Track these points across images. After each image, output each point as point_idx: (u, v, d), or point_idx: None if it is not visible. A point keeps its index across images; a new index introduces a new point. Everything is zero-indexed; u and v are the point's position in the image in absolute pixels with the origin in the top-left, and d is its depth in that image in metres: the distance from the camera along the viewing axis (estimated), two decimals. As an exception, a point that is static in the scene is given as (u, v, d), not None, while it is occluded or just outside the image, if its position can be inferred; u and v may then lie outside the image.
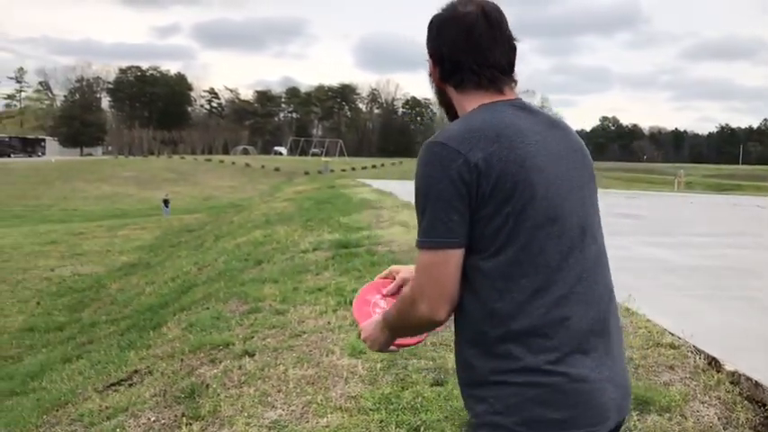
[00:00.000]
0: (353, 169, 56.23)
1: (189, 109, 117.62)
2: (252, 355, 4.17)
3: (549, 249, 1.36)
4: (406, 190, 19.80)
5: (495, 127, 1.38)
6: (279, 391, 3.54)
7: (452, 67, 1.49)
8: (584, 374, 1.35)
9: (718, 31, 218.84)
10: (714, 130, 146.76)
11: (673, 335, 4.07)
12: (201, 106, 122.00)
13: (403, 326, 1.49)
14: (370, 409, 3.24)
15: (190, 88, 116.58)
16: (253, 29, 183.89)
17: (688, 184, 47.02)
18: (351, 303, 5.04)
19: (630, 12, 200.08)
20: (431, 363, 3.76)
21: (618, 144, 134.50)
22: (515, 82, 1.54)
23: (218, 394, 3.63)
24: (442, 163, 1.34)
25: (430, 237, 1.35)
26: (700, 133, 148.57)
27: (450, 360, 3.75)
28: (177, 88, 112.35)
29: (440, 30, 1.52)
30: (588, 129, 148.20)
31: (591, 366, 1.37)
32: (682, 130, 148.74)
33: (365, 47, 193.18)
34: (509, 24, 1.51)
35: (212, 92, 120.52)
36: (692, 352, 3.81)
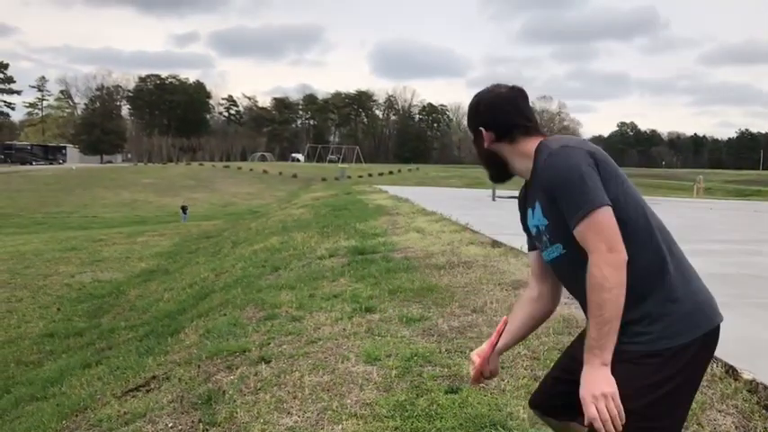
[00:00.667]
0: (370, 175, 56.31)
1: (207, 116, 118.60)
2: (268, 362, 4.20)
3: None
4: (422, 196, 19.81)
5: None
6: (294, 398, 3.56)
7: (506, 128, 2.00)
8: None
9: (736, 35, 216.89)
10: (734, 135, 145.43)
11: (690, 343, 4.03)
12: (220, 114, 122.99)
13: (616, 306, 1.73)
14: (385, 417, 3.25)
15: (208, 96, 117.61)
16: (270, 36, 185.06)
17: (707, 189, 46.51)
18: (366, 310, 5.06)
19: (648, 17, 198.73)
20: (446, 370, 3.77)
21: (636, 150, 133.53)
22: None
23: (235, 401, 3.65)
24: (579, 155, 1.82)
25: (601, 198, 1.75)
26: (719, 138, 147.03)
27: (465, 367, 3.75)
28: (196, 96, 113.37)
29: (488, 106, 2.04)
30: (606, 134, 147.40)
31: None
32: (701, 135, 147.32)
33: (382, 54, 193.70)
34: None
35: (230, 99, 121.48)
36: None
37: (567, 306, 4.97)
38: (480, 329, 4.45)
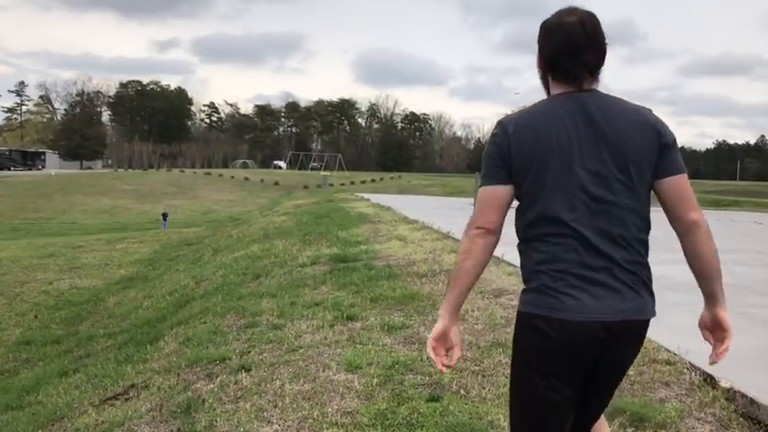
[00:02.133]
0: (353, 183, 56.27)
1: (188, 123, 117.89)
2: (248, 370, 4.17)
3: None
4: (404, 204, 19.83)
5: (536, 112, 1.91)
6: (275, 407, 3.53)
7: (553, 64, 1.91)
8: None
9: (713, 47, 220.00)
10: (711, 146, 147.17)
11: (669, 351, 4.07)
12: (201, 120, 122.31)
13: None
14: (366, 425, 3.24)
15: (190, 102, 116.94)
16: (252, 43, 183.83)
17: (686, 199, 46.80)
18: (348, 318, 5.04)
19: (626, 28, 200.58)
20: (427, 378, 3.76)
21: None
22: (598, 76, 1.92)
23: (215, 409, 3.62)
24: (493, 136, 1.94)
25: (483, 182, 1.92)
26: (697, 149, 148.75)
27: (446, 376, 3.76)
28: (177, 102, 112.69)
29: (547, 34, 1.93)
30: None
31: None
32: (680, 145, 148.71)
33: (364, 62, 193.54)
34: (602, 30, 1.91)
35: (212, 106, 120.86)
36: (687, 368, 3.81)
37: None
38: (462, 338, 4.44)
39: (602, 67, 1.92)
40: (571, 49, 1.86)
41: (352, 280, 6.63)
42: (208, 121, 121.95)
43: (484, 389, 3.60)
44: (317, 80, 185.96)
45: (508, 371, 3.81)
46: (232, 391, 3.86)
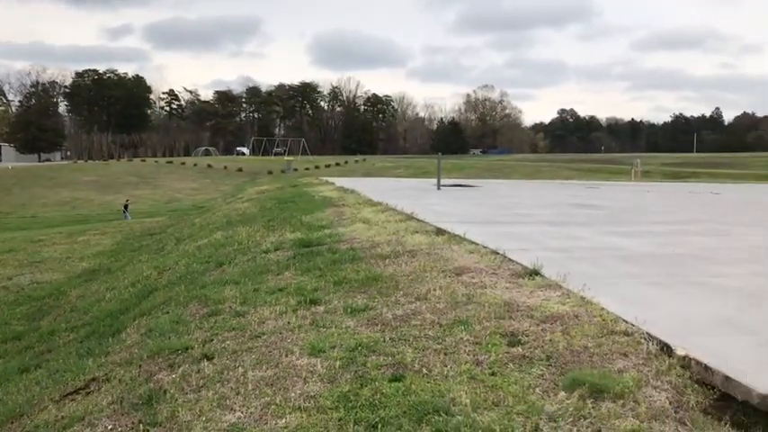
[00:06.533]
0: (317, 167, 56.05)
1: (148, 111, 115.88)
2: (210, 359, 4.14)
3: None
4: (368, 187, 19.79)
5: None
6: (237, 394, 3.51)
7: None
8: None
9: (668, 22, 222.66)
10: (668, 119, 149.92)
11: (626, 322, 4.13)
12: (161, 108, 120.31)
13: None
14: (329, 408, 3.24)
15: (148, 90, 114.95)
16: (206, 28, 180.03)
17: (645, 173, 47.82)
18: (311, 302, 5.02)
19: (582, 4, 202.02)
20: (389, 358, 3.77)
21: (576, 136, 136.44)
22: None
23: (176, 399, 3.59)
24: None
25: None
26: (655, 123, 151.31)
27: (409, 355, 3.77)
28: (135, 91, 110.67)
29: None
30: (547, 121, 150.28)
31: None
32: (638, 120, 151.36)
33: (322, 45, 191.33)
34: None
35: (172, 93, 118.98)
36: (645, 338, 3.88)
37: (509, 290, 5.05)
38: (424, 317, 4.47)
39: None
40: None
41: (316, 264, 6.61)
42: (168, 108, 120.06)
43: (446, 366, 3.62)
44: (276, 64, 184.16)
45: (470, 348, 3.86)
46: (194, 380, 3.83)
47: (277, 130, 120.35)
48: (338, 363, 3.73)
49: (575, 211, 12.26)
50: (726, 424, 3.02)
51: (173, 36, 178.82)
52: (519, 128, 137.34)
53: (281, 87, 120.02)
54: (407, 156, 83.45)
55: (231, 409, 3.35)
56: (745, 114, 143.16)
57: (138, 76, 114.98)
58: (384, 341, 4.05)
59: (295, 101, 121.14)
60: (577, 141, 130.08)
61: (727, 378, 3.26)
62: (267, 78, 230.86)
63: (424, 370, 3.60)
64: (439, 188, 20.66)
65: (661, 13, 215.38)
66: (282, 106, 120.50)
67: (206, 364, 4.05)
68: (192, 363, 4.14)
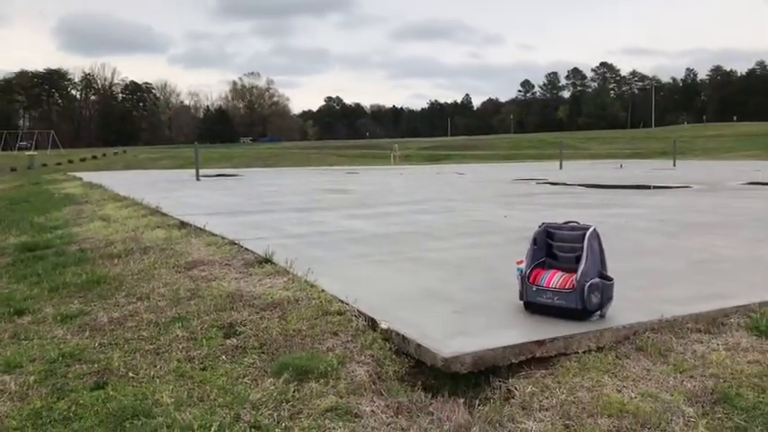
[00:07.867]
0: (71, 162, 51.49)
1: None
2: None
3: None
4: (121, 181, 18.65)
5: None
6: None
7: None
8: None
9: (420, 13, 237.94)
10: (426, 105, 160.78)
11: (342, 302, 4.31)
12: None
13: None
14: (15, 429, 2.97)
15: None
16: None
17: (406, 156, 50.78)
18: (16, 313, 4.58)
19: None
20: (95, 366, 3.56)
21: (343, 122, 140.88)
22: None
23: None
24: None
25: None
26: (414, 109, 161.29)
27: (116, 359, 3.60)
28: None
29: None
30: (315, 109, 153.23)
31: None
32: (399, 106, 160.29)
33: (69, 28, 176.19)
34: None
35: None
36: (356, 316, 4.07)
37: (237, 281, 5.04)
38: (141, 317, 4.29)
39: None
40: None
41: (35, 270, 6.05)
42: None
43: (155, 367, 3.51)
44: (14, 49, 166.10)
45: (184, 344, 3.78)
46: None
47: (21, 122, 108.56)
48: (32, 377, 3.43)
49: (327, 196, 12.61)
50: (418, 389, 3.26)
51: None
52: (288, 115, 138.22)
53: (23, 74, 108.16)
54: (174, 146, 79.93)
55: None
56: (490, 100, 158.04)
57: None
58: (93, 347, 3.82)
59: (41, 89, 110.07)
60: (345, 128, 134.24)
61: (419, 346, 3.52)
62: (4, 65, 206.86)
63: (131, 373, 3.45)
64: (198, 179, 20.13)
65: (413, 5, 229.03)
66: (26, 95, 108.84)
67: None
68: None
